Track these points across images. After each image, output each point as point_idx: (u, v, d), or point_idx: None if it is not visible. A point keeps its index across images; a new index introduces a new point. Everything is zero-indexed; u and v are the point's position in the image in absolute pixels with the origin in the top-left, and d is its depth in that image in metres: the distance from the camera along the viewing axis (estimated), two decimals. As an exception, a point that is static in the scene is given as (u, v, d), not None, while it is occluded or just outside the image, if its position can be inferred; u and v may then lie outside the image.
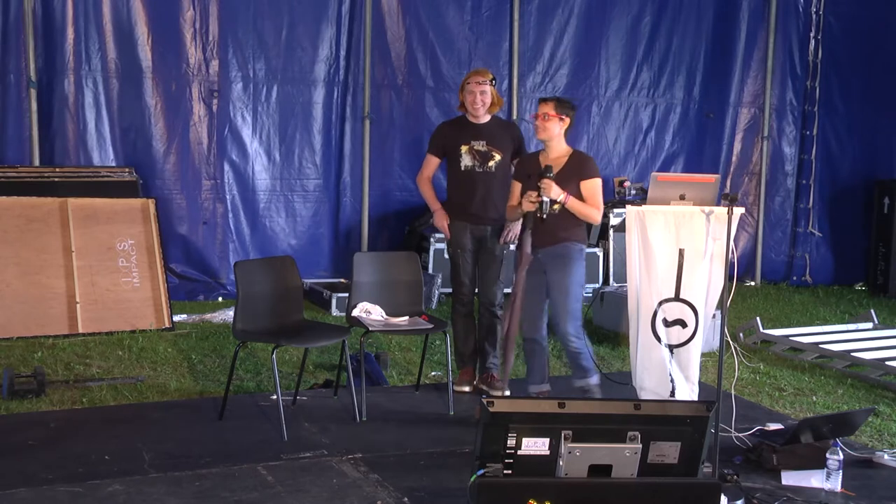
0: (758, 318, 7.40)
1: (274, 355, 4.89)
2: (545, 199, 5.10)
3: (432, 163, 5.85)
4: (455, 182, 5.73)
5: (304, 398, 5.51)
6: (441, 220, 5.73)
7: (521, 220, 5.42)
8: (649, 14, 9.50)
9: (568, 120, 5.29)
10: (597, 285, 8.58)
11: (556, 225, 5.17)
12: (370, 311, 5.45)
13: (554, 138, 5.28)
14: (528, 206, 5.20)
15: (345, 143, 8.66)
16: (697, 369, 4.88)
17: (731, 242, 4.57)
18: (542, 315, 5.32)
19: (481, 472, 3.50)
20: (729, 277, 4.59)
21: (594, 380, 5.32)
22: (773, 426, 4.99)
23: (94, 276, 7.05)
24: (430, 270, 8.36)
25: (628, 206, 4.90)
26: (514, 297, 5.23)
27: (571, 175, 5.21)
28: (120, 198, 7.40)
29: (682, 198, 4.75)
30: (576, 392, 5.29)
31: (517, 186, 5.42)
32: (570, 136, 5.20)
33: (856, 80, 10.10)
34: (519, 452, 3.51)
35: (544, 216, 5.13)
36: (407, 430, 5.07)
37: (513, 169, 5.64)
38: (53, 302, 6.87)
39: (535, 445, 3.52)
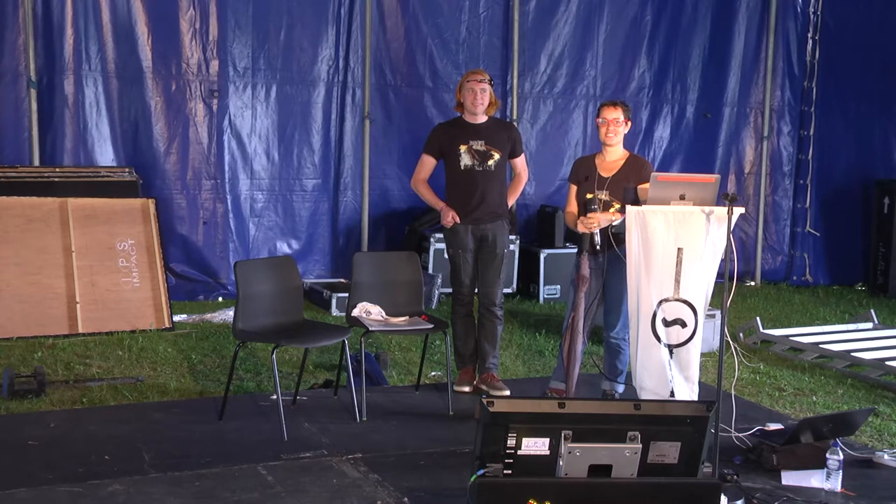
0: (758, 318, 7.40)
1: (274, 355, 4.89)
2: (595, 233, 5.16)
3: (428, 164, 5.83)
4: (455, 182, 5.72)
5: (304, 398, 5.51)
6: (448, 214, 5.66)
7: (602, 212, 5.30)
8: (648, 14, 9.50)
9: (630, 123, 5.44)
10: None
11: (619, 231, 5.19)
12: (370, 311, 5.45)
13: (618, 143, 5.38)
14: (582, 229, 5.23)
15: (344, 143, 8.67)
16: (697, 369, 4.88)
17: (732, 242, 4.57)
18: (590, 317, 5.37)
19: (481, 472, 3.50)
20: (729, 277, 4.59)
21: (620, 388, 5.41)
22: (773, 426, 4.99)
23: (94, 276, 7.05)
24: (430, 270, 8.36)
25: (628, 207, 4.90)
26: (575, 320, 5.21)
27: (629, 178, 5.27)
28: (120, 198, 7.40)
29: (682, 198, 4.75)
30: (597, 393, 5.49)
31: (573, 189, 5.49)
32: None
33: (853, 80, 10.10)
34: (519, 452, 3.51)
35: (598, 247, 5.19)
36: (407, 430, 5.07)
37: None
38: (53, 302, 6.87)
39: (535, 445, 3.52)
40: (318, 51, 8.45)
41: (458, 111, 5.77)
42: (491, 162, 5.64)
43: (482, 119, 5.69)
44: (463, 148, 5.64)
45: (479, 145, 5.63)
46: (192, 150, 8.12)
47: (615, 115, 5.33)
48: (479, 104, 5.61)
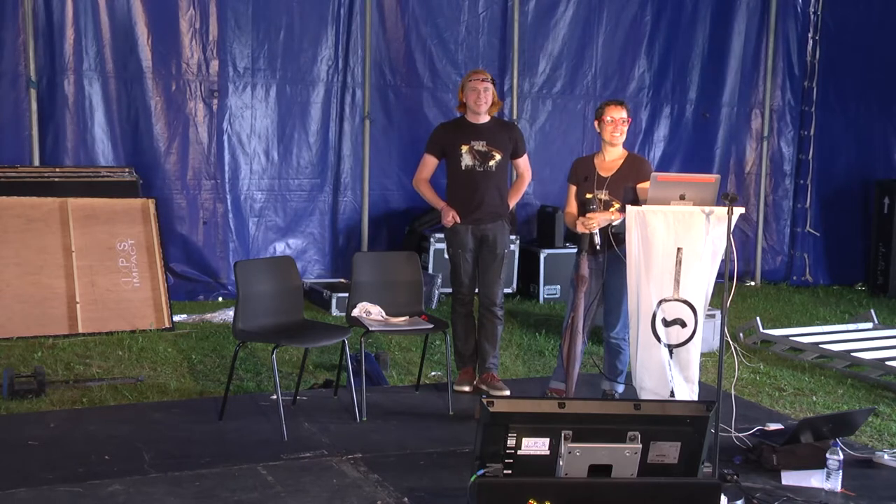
0: (758, 318, 7.40)
1: (274, 355, 4.89)
2: (595, 232, 5.16)
3: (430, 163, 5.83)
4: (455, 182, 5.72)
5: (304, 398, 5.51)
6: (448, 213, 5.65)
7: (601, 211, 5.30)
8: (648, 14, 9.50)
9: (630, 121, 5.46)
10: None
11: (619, 231, 5.19)
12: (370, 311, 5.45)
13: (621, 142, 5.39)
14: (581, 229, 5.23)
15: (343, 143, 8.67)
16: (697, 369, 4.88)
17: (732, 242, 4.57)
18: (590, 317, 5.37)
19: (481, 472, 3.50)
20: (729, 277, 4.59)
21: (620, 388, 5.41)
22: (773, 426, 4.99)
23: (94, 276, 7.05)
24: (430, 270, 8.36)
25: (628, 206, 4.90)
26: (575, 320, 5.21)
27: (628, 178, 5.27)
28: (120, 198, 7.40)
29: (682, 198, 4.75)
30: (597, 393, 5.51)
31: (572, 190, 5.50)
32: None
33: (853, 80, 10.10)
34: (519, 452, 3.52)
35: (598, 246, 5.19)
36: (407, 430, 5.07)
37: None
38: (53, 302, 6.87)
39: (535, 445, 3.52)
40: (317, 51, 8.45)
41: (460, 111, 5.77)
42: (492, 162, 5.64)
43: (484, 119, 5.69)
44: (464, 148, 5.64)
45: (480, 145, 5.63)
46: (192, 150, 8.12)
47: (621, 114, 5.33)
48: (483, 103, 5.61)
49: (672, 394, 4.79)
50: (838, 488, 4.30)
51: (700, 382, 4.96)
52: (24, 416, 5.07)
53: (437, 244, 8.27)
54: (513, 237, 8.37)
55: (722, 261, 4.69)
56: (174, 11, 7.92)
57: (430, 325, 5.42)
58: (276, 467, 4.41)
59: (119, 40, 7.81)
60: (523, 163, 5.86)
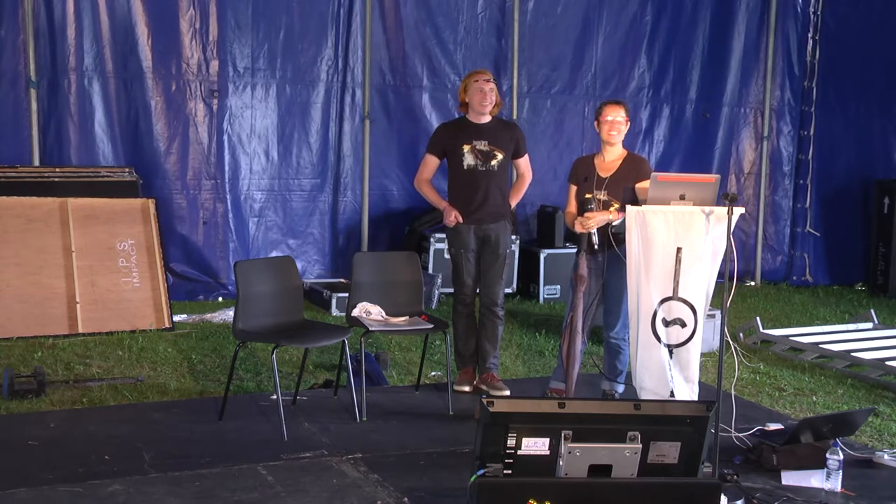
0: (758, 318, 7.40)
1: (274, 355, 4.89)
2: (593, 232, 5.18)
3: (431, 163, 5.83)
4: (457, 182, 5.72)
5: (304, 398, 5.51)
6: (451, 213, 5.65)
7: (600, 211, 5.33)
8: (648, 14, 9.50)
9: (630, 122, 5.46)
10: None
11: (619, 231, 5.19)
12: (370, 311, 5.45)
13: (620, 142, 5.40)
14: (580, 229, 5.24)
15: (343, 143, 8.67)
16: (697, 369, 4.88)
17: (732, 242, 4.57)
18: (589, 317, 5.37)
19: (481, 472, 3.50)
20: (729, 277, 4.59)
21: (620, 388, 5.42)
22: (773, 426, 4.99)
23: (94, 276, 7.06)
24: (430, 270, 8.36)
25: (628, 206, 4.90)
26: (574, 320, 5.22)
27: (627, 178, 5.26)
28: (120, 198, 7.40)
29: (682, 198, 4.75)
30: (597, 393, 5.52)
31: (572, 190, 5.50)
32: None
33: (853, 80, 10.11)
34: (519, 452, 3.52)
35: (596, 246, 5.21)
36: (407, 430, 5.07)
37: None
38: (53, 302, 6.87)
39: (535, 445, 3.52)
40: (317, 51, 8.45)
41: (461, 111, 5.76)
42: (494, 162, 5.64)
43: (486, 119, 5.68)
44: (466, 148, 5.64)
45: (482, 145, 5.63)
46: (192, 150, 8.12)
47: (620, 114, 5.34)
48: (488, 104, 5.61)
49: (672, 394, 4.79)
50: (838, 488, 4.30)
51: (700, 382, 4.96)
52: (24, 416, 5.07)
53: (437, 244, 8.27)
54: (513, 237, 8.37)
55: (722, 261, 4.69)
56: (174, 11, 7.92)
57: (430, 325, 5.42)
58: (276, 467, 4.41)
59: (119, 40, 7.81)
60: (524, 163, 5.86)
